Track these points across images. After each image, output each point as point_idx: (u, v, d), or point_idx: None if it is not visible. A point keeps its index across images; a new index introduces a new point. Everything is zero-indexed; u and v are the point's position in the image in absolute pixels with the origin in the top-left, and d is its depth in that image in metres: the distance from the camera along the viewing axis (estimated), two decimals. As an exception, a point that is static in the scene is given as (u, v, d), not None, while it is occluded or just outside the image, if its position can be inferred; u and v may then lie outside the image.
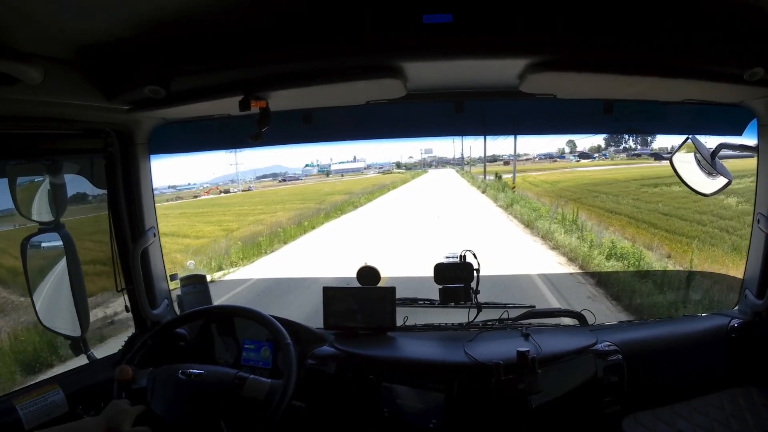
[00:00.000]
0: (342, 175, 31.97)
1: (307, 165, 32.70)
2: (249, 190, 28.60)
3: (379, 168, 33.83)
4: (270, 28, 1.06)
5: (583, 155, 26.26)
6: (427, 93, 1.49)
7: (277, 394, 1.29)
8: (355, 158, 33.79)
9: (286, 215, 17.61)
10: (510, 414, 1.38)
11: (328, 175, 31.83)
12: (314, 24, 1.05)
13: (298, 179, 31.55)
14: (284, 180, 31.08)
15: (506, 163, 28.62)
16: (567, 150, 27.33)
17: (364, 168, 33.26)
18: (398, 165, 34.00)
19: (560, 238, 10.24)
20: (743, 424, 1.40)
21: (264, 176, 30.96)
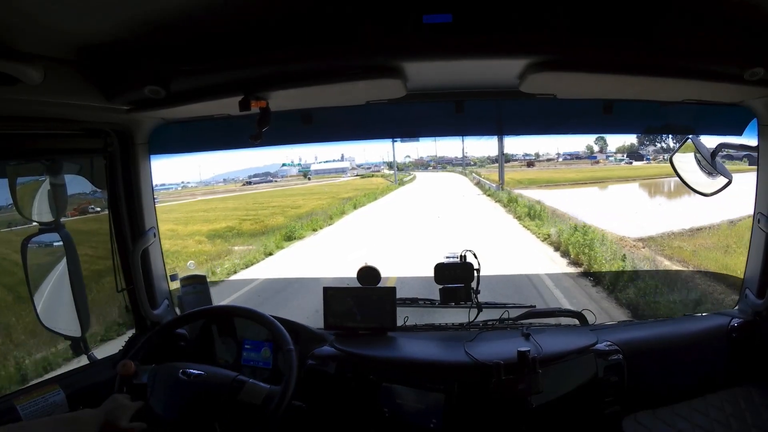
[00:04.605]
0: (309, 179, 27.00)
1: (284, 164, 27.80)
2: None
3: (367, 168, 28.16)
4: (270, 28, 1.06)
5: (633, 155, 20.89)
6: (427, 93, 1.49)
7: (274, 401, 1.28)
8: (342, 157, 28.79)
9: None
10: (510, 414, 1.38)
11: (305, 176, 27.41)
12: (314, 24, 1.05)
13: (270, 181, 27.09)
14: (249, 182, 26.50)
15: (530, 164, 22.25)
16: (596, 148, 22.43)
17: (350, 168, 28.18)
18: (390, 166, 28.01)
19: None
20: (743, 424, 1.40)
21: (256, 175, 27.36)
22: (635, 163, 20.30)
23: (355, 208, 16.82)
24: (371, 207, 17.25)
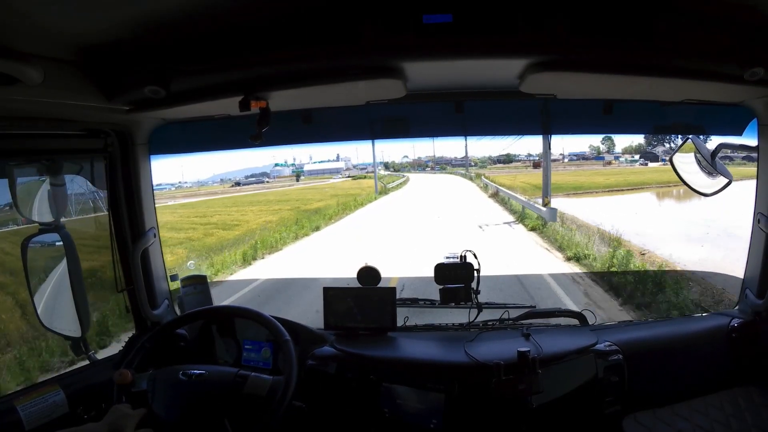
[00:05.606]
0: (298, 178, 25.62)
1: (277, 164, 26.98)
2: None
3: (362, 168, 26.90)
4: (270, 28, 1.06)
5: (647, 155, 19.47)
6: (427, 93, 1.49)
7: (279, 391, 1.30)
8: (338, 157, 27.96)
9: None
10: (510, 414, 1.38)
11: (297, 177, 26.19)
12: (314, 24, 1.05)
13: (263, 181, 25.92)
14: (238, 184, 25.31)
15: (536, 165, 19.73)
16: (603, 148, 21.55)
17: (344, 169, 27.32)
18: (386, 166, 27.69)
19: None
20: (743, 424, 1.40)
21: (253, 175, 26.66)
22: (650, 164, 18.81)
23: (245, 260, 8.64)
24: (289, 254, 9.16)
